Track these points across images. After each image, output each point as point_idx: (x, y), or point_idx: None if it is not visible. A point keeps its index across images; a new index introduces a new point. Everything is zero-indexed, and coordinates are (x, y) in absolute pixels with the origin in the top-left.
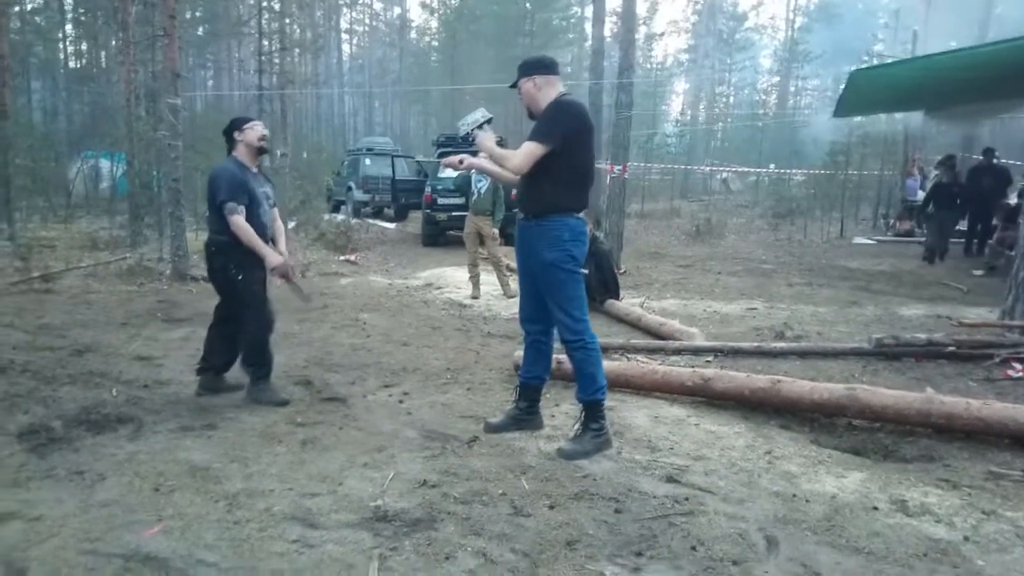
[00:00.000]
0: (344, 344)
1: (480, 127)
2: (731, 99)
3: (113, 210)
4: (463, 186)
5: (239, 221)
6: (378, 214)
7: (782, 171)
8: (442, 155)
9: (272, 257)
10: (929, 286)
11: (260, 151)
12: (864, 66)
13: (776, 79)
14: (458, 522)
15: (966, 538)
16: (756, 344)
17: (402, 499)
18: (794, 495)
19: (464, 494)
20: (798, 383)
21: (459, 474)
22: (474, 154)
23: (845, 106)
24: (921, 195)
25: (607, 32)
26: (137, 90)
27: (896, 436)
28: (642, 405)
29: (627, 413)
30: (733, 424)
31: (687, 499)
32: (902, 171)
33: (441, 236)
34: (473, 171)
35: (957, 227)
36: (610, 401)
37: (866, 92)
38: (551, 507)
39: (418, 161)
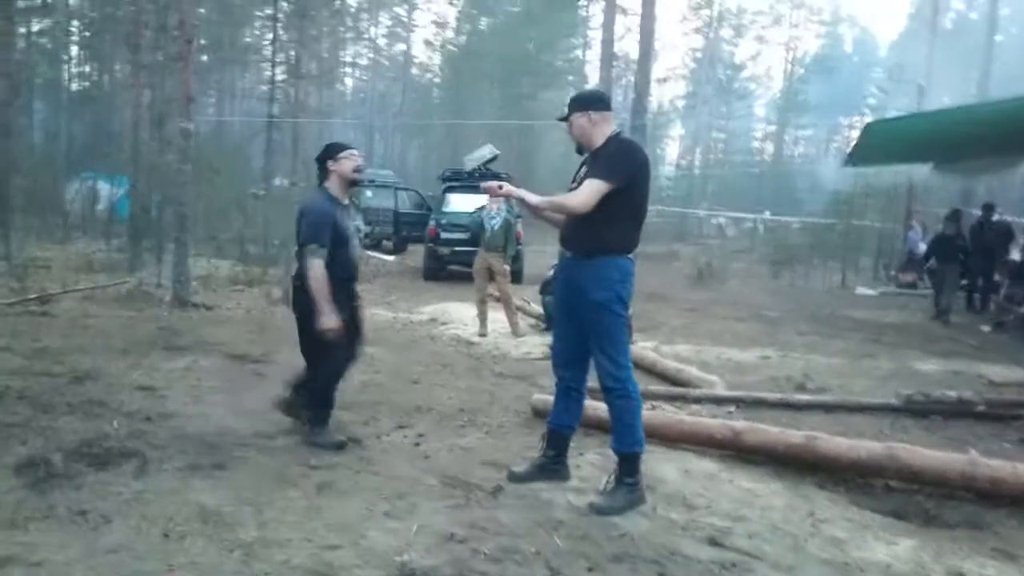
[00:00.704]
0: (353, 380)
1: (487, 163)
2: (728, 145)
3: (110, 233)
4: (475, 224)
5: (316, 268)
6: (376, 246)
7: (778, 218)
8: (448, 190)
9: (328, 319)
10: (940, 341)
11: (353, 183)
12: (881, 118)
13: (772, 127)
14: None
15: None
16: (780, 396)
17: (429, 555)
18: (846, 563)
19: (494, 551)
20: (835, 440)
21: (487, 528)
22: (478, 188)
23: (859, 156)
24: (923, 248)
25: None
26: (144, 113)
27: (937, 500)
28: (669, 457)
29: (655, 465)
30: (768, 481)
31: (734, 565)
32: (904, 223)
33: (443, 270)
34: (486, 208)
35: (962, 281)
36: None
37: (881, 143)
38: (589, 569)
39: (419, 194)
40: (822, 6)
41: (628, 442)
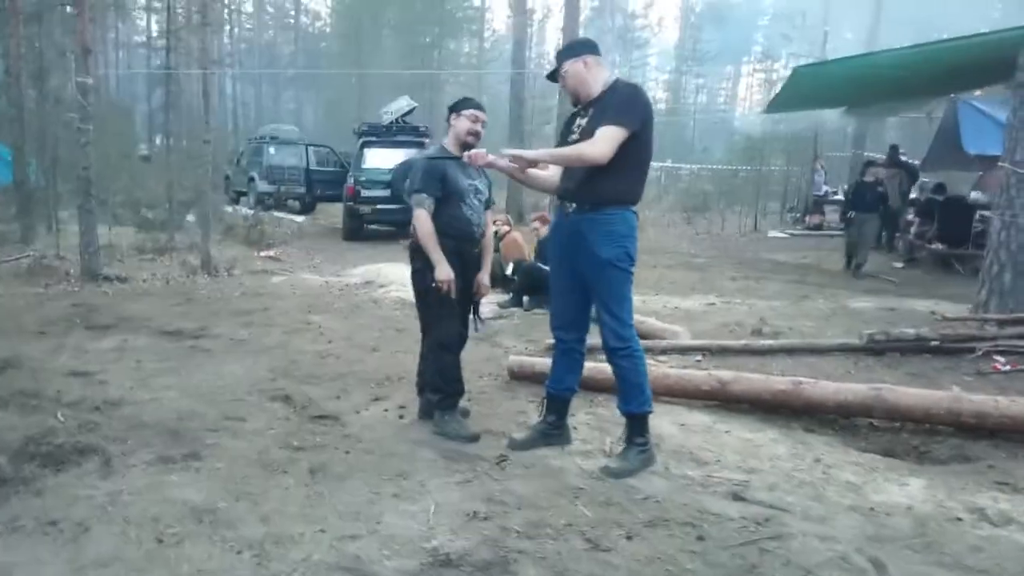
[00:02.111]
0: (307, 351)
1: (405, 115)
2: None
3: None
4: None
5: (422, 216)
6: (280, 206)
7: (678, 166)
8: (365, 145)
9: (442, 269)
10: (862, 279)
11: (465, 146)
12: (808, 63)
13: (666, 76)
14: (535, 563)
15: None
16: (744, 342)
17: (457, 537)
18: (871, 508)
19: (524, 527)
20: (820, 384)
21: (506, 502)
22: (400, 143)
23: (781, 101)
24: (825, 189)
25: (503, 25)
26: (24, 67)
27: (922, 436)
28: (659, 411)
29: (650, 421)
30: (763, 430)
31: (767, 520)
32: (811, 167)
33: (363, 230)
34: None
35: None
36: None
37: (805, 89)
38: (628, 538)
39: (333, 150)
40: None
41: (637, 402)
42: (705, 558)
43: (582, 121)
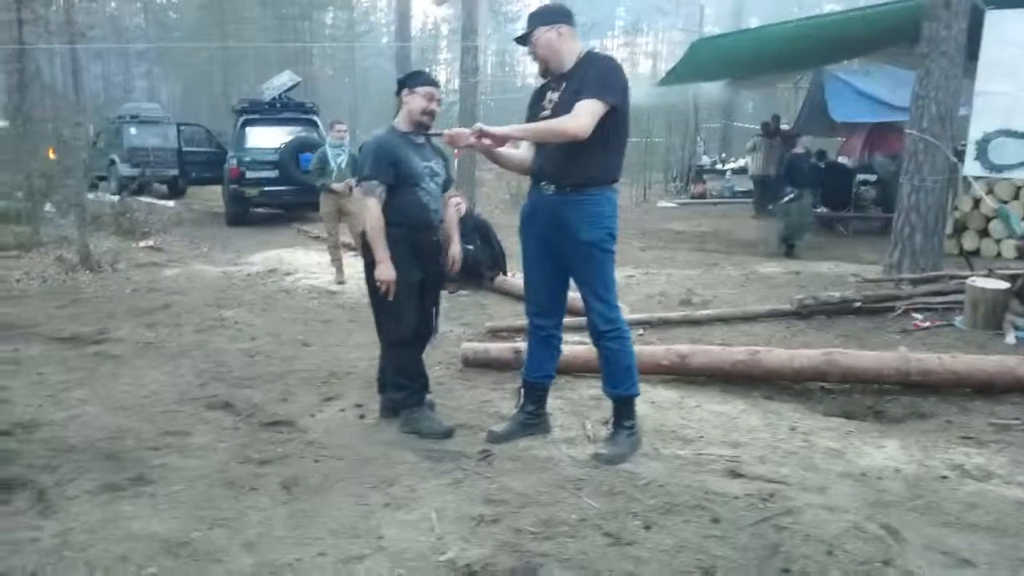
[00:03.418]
0: (230, 351)
1: (287, 91)
2: (500, 70)
3: None
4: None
5: (372, 207)
6: (144, 190)
7: None
8: (247, 123)
9: (383, 269)
10: (757, 244)
11: (420, 126)
12: (707, 36)
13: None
14: (563, 565)
15: None
16: (683, 314)
17: (470, 545)
18: (863, 474)
19: (537, 526)
20: (775, 352)
21: (508, 501)
22: (286, 120)
23: (675, 75)
24: (706, 160)
25: None
26: None
27: (873, 396)
28: None
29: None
30: (730, 401)
31: (772, 495)
32: (693, 138)
33: (248, 214)
34: (328, 145)
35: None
36: (589, 389)
37: (701, 61)
38: (646, 528)
39: (207, 130)
40: None
41: (626, 385)
42: (729, 542)
43: (554, 96)
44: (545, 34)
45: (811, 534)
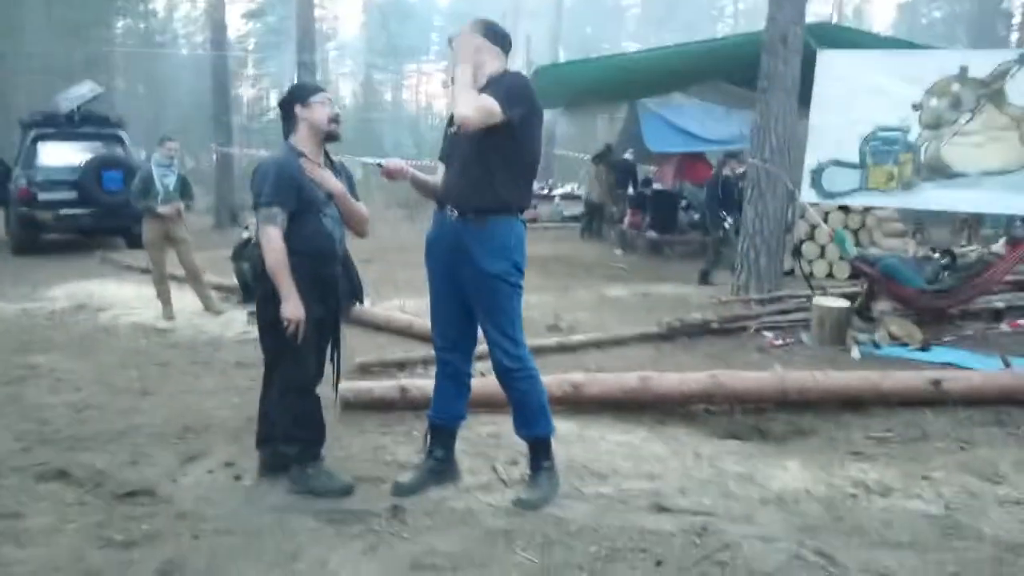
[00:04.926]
0: (53, 405)
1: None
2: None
3: None
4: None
5: (272, 236)
6: None
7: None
8: (39, 138)
9: (290, 305)
10: (597, 267)
11: (329, 137)
12: (551, 63)
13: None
14: None
15: (947, 507)
16: (557, 340)
17: None
18: (780, 498)
19: None
20: (666, 377)
21: (438, 564)
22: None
23: None
24: (535, 186)
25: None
26: None
27: (753, 415)
28: None
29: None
30: (631, 431)
31: (704, 529)
32: None
33: (38, 240)
34: (155, 164)
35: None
36: (486, 425)
37: (546, 87)
38: None
39: None
40: None
41: (541, 424)
42: None
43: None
44: (470, 37)
45: (754, 568)
